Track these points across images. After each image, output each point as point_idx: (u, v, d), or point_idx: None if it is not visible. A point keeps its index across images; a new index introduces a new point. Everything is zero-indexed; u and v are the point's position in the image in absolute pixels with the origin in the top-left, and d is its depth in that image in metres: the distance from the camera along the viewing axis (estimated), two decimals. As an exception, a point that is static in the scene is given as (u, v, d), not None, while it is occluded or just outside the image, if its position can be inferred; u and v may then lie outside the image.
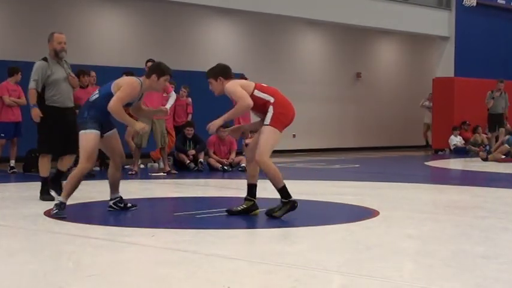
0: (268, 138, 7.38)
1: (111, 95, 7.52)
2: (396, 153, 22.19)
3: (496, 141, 19.47)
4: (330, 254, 5.74)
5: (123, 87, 7.55)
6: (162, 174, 13.42)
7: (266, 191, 8.35)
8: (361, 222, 7.27)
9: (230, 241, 6.30)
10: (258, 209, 7.65)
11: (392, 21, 21.57)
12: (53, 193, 9.11)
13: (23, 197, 9.54)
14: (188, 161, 14.36)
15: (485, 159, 17.55)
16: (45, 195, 9.12)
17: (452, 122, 22.33)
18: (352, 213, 7.81)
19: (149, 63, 13.39)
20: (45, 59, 9.25)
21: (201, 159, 14.46)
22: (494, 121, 20.02)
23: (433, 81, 23.22)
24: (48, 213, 7.72)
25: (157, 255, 5.61)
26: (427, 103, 23.57)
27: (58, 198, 7.84)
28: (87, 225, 7.15)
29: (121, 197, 8.14)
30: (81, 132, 7.60)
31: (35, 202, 8.88)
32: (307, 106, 21.07)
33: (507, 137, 18.14)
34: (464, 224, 7.36)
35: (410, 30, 22.46)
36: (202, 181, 12.57)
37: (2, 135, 13.36)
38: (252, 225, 7.20)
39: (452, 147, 21.87)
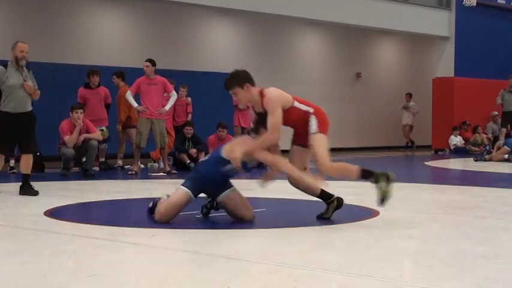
0: (321, 144, 7.07)
1: (222, 160, 7.13)
2: (396, 153, 22.19)
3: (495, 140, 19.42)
4: (330, 254, 5.74)
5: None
6: (162, 174, 13.41)
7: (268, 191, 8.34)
8: (361, 222, 7.27)
9: (230, 241, 6.30)
10: (342, 200, 7.43)
11: (392, 21, 21.57)
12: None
13: (23, 197, 9.53)
14: (188, 161, 14.35)
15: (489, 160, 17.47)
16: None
17: (452, 122, 22.33)
18: (352, 213, 7.81)
19: (146, 63, 13.40)
20: (5, 65, 9.65)
21: (201, 159, 14.44)
22: (508, 119, 19.70)
23: (433, 81, 23.22)
24: (48, 213, 7.72)
25: (158, 255, 5.60)
26: (405, 104, 23.53)
27: None
28: (87, 225, 7.15)
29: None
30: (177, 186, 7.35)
31: (35, 202, 8.89)
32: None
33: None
34: (464, 224, 7.36)
35: (411, 30, 22.47)
36: (202, 181, 12.54)
37: None
38: (252, 225, 7.20)
39: (452, 147, 21.87)
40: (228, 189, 7.24)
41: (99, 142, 13.36)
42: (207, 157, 7.44)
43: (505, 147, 17.46)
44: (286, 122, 7.08)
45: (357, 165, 7.17)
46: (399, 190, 10.79)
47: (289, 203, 8.72)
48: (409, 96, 23.48)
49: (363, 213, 7.78)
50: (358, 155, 20.49)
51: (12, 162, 13.25)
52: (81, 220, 7.44)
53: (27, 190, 9.63)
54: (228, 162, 7.02)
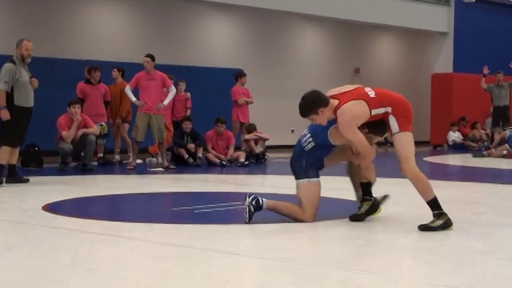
0: (404, 144, 6.92)
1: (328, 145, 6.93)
2: (394, 149, 22.13)
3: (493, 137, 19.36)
4: (329, 249, 5.74)
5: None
6: (160, 169, 13.41)
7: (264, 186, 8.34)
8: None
9: (228, 236, 6.30)
10: (379, 207, 7.18)
11: (391, 17, 21.56)
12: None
13: (22, 192, 9.54)
14: (187, 156, 14.35)
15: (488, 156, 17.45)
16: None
17: (451, 117, 22.33)
18: (350, 209, 7.80)
19: (147, 58, 13.39)
20: (13, 62, 10.12)
21: (200, 155, 14.45)
22: (500, 114, 19.34)
23: (431, 77, 23.21)
24: (46, 208, 7.72)
25: (155, 250, 5.61)
26: None
27: None
28: (85, 219, 7.15)
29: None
30: (303, 181, 6.90)
31: (34, 197, 8.90)
32: None
33: (507, 133, 17.92)
34: (462, 219, 7.35)
35: (409, 25, 22.46)
36: (200, 176, 12.57)
37: None
38: (249, 220, 7.19)
39: (450, 143, 21.88)
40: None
41: (98, 137, 13.36)
42: (308, 142, 6.97)
43: (506, 144, 17.43)
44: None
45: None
46: (398, 186, 10.81)
47: (287, 198, 8.71)
48: None
49: (361, 209, 7.77)
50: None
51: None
52: (79, 215, 7.44)
53: (17, 178, 10.34)
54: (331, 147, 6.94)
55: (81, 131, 12.82)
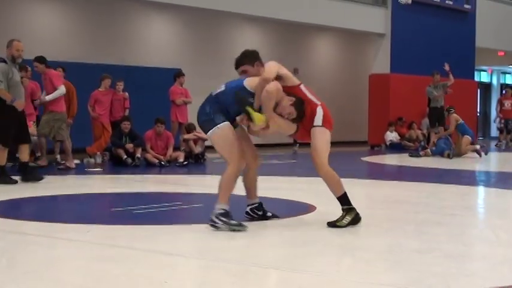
0: (323, 140, 6.93)
1: (243, 88, 6.73)
2: (333, 148, 22.30)
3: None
4: (267, 249, 5.76)
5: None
6: (98, 169, 13.27)
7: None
8: (297, 217, 7.30)
9: (168, 237, 6.26)
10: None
11: (329, 18, 21.72)
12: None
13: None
14: (125, 157, 14.24)
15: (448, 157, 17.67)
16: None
17: (388, 118, 22.60)
18: (288, 208, 7.85)
19: (35, 63, 13.24)
20: (4, 61, 10.33)
21: (138, 155, 14.35)
22: (436, 115, 19.29)
23: (369, 77, 23.47)
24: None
25: (94, 251, 5.55)
26: None
27: (221, 207, 6.45)
28: (20, 221, 7.03)
29: (260, 203, 7.04)
30: (213, 130, 6.56)
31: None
32: None
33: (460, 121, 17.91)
34: (399, 218, 7.46)
35: (347, 26, 22.65)
36: (139, 176, 12.48)
37: None
38: (190, 220, 7.18)
39: (388, 143, 22.14)
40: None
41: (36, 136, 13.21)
42: (221, 88, 6.88)
43: (467, 136, 17.57)
44: None
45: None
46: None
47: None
48: None
49: (300, 208, 7.83)
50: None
51: None
52: (13, 216, 7.31)
53: (31, 176, 10.54)
54: (251, 94, 6.65)
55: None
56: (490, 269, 5.12)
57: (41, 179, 10.58)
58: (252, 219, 6.88)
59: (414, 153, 18.25)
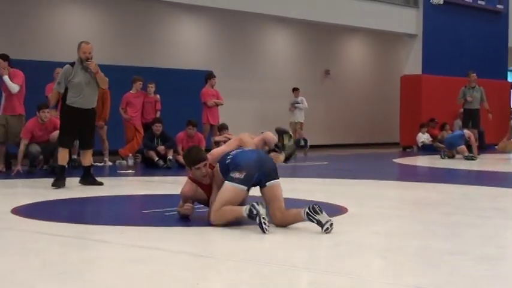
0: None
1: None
2: (365, 150, 22.30)
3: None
4: (299, 250, 5.76)
5: None
6: (130, 171, 13.35)
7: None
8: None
9: (199, 238, 6.29)
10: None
11: (360, 19, 21.66)
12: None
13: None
14: (157, 159, 14.32)
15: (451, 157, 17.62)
16: (57, 182, 10.15)
17: (420, 119, 22.48)
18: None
19: None
20: (72, 64, 10.34)
21: (170, 157, 14.42)
22: (470, 117, 19.29)
23: (401, 78, 23.36)
24: (15, 211, 7.66)
25: (126, 253, 5.59)
26: (294, 100, 20.10)
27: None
28: (55, 223, 7.10)
29: None
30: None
31: (2, 200, 8.84)
32: (276, 103, 21.10)
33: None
34: (431, 220, 7.42)
35: (379, 27, 22.57)
36: (171, 178, 12.52)
37: None
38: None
39: (420, 145, 22.01)
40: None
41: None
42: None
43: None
44: None
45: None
46: (367, 187, 10.89)
47: (256, 200, 8.72)
48: (298, 91, 20.16)
49: (332, 210, 7.80)
50: (327, 152, 20.55)
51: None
52: (48, 218, 7.39)
53: (91, 181, 10.53)
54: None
55: (51, 134, 12.69)
56: (523, 271, 5.08)
57: (101, 184, 10.55)
58: None
59: (469, 156, 17.71)
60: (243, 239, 6.23)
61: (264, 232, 6.22)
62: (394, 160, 17.69)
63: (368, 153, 21.01)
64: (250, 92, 20.67)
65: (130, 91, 15.30)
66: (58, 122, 12.88)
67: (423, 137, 21.98)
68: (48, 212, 8.16)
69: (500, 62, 25.43)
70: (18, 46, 16.22)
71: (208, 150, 15.21)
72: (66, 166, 10.53)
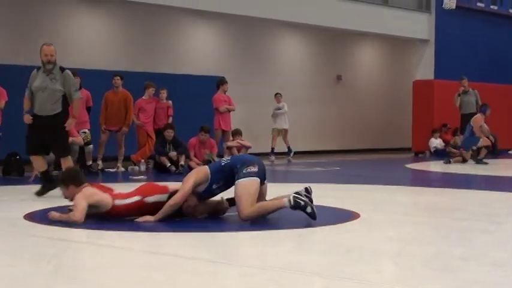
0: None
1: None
2: (377, 155, 22.27)
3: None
4: (311, 256, 5.75)
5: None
6: (142, 177, 13.37)
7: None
8: (342, 224, 7.28)
9: (210, 244, 6.29)
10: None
11: (372, 24, 21.66)
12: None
13: (3, 201, 9.49)
14: (169, 164, 14.34)
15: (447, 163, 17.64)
16: (39, 190, 9.59)
17: (433, 124, 22.43)
18: (333, 216, 7.83)
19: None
20: (38, 68, 9.75)
21: (182, 162, 14.44)
22: (467, 121, 19.02)
23: (413, 83, 23.32)
24: (28, 217, 7.68)
25: (138, 259, 5.59)
26: (277, 106, 19.03)
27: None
28: (68, 228, 7.11)
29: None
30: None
31: (15, 205, 8.85)
32: (288, 109, 21.10)
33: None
34: (443, 225, 7.40)
35: (391, 33, 22.58)
36: (183, 184, 12.52)
37: None
38: (232, 227, 7.20)
39: (432, 150, 21.96)
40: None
41: (84, 145, 13.34)
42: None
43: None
44: None
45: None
46: (380, 192, 10.87)
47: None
48: (279, 96, 19.08)
49: (344, 216, 7.80)
50: (339, 158, 20.53)
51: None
52: (61, 224, 7.40)
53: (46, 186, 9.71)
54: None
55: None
56: (537, 277, 5.05)
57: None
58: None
59: (481, 161, 17.68)
60: (256, 245, 6.23)
61: (315, 219, 6.93)
62: (407, 165, 17.65)
63: (380, 158, 20.98)
64: (262, 98, 20.69)
65: (143, 97, 15.34)
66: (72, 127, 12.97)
67: (436, 142, 21.94)
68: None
69: (513, 67, 25.38)
70: (24, 52, 16.23)
71: (220, 156, 15.35)
72: (41, 172, 9.86)
